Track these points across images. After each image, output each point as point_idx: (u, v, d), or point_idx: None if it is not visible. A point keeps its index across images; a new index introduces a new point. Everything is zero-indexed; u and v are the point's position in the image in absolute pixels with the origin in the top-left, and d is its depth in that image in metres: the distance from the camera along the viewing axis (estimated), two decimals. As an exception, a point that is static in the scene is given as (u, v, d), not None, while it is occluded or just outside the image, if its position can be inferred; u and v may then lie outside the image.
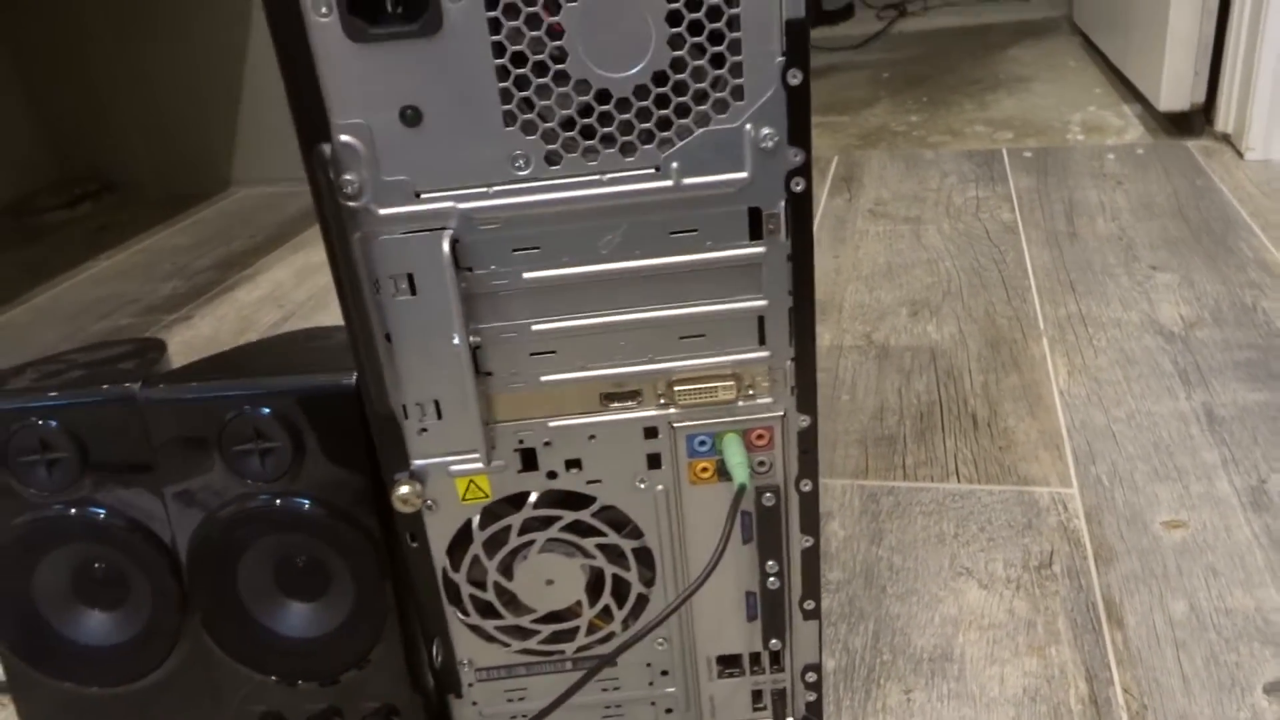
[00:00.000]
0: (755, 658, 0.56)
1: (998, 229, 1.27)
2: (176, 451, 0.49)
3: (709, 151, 0.43)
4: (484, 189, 0.43)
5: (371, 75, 0.40)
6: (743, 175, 0.43)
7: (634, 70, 0.41)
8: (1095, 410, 0.87)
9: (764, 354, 0.47)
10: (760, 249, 0.45)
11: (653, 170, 0.43)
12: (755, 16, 0.40)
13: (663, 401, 0.48)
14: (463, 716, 0.56)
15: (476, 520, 0.50)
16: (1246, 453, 0.80)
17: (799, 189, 0.44)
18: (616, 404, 0.48)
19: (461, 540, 0.51)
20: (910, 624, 0.67)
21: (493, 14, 0.40)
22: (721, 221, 0.44)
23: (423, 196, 0.43)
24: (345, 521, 0.50)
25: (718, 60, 0.41)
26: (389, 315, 0.45)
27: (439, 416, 0.47)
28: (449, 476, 0.49)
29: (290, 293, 1.32)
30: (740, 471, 0.48)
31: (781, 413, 0.48)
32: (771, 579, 0.53)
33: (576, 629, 0.54)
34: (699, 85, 0.42)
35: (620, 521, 0.51)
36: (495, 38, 0.40)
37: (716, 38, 0.41)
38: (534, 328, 0.46)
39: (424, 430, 0.48)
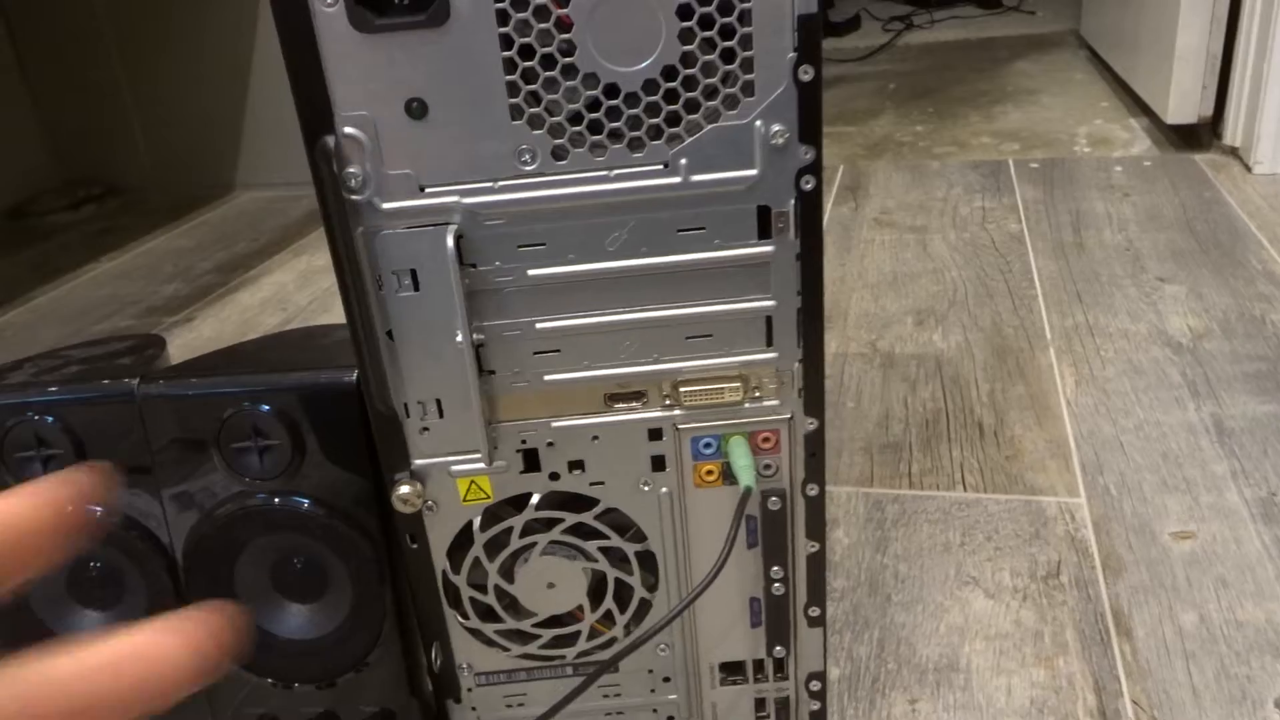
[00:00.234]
0: (759, 665, 0.55)
1: (1004, 239, 1.26)
2: (174, 448, 0.48)
3: (718, 148, 0.42)
4: (489, 184, 0.42)
5: (377, 66, 0.40)
6: (752, 173, 0.42)
7: (643, 64, 0.40)
8: (1103, 420, 0.87)
9: (771, 355, 0.46)
10: (769, 248, 0.44)
11: (661, 166, 0.42)
12: (767, 11, 0.40)
13: (668, 403, 0.47)
14: (461, 722, 0.55)
15: (477, 522, 0.49)
16: (1256, 465, 0.79)
17: (809, 187, 0.43)
18: (621, 405, 0.47)
19: (462, 542, 0.50)
20: (915, 633, 0.66)
21: (501, 5, 0.39)
22: (730, 219, 0.43)
23: (427, 191, 0.42)
24: (344, 522, 0.49)
25: (728, 55, 0.41)
26: (391, 311, 0.44)
27: (440, 415, 0.47)
28: (450, 477, 0.48)
29: (292, 296, 1.31)
30: (746, 474, 0.47)
31: (788, 415, 0.48)
32: (776, 585, 0.52)
33: (578, 634, 0.53)
34: (709, 80, 0.41)
35: (623, 524, 0.50)
36: (503, 29, 0.39)
37: (727, 32, 0.40)
38: (538, 326, 0.45)
39: (425, 429, 0.47)
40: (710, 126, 0.42)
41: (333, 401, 0.47)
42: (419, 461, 0.48)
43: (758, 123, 0.42)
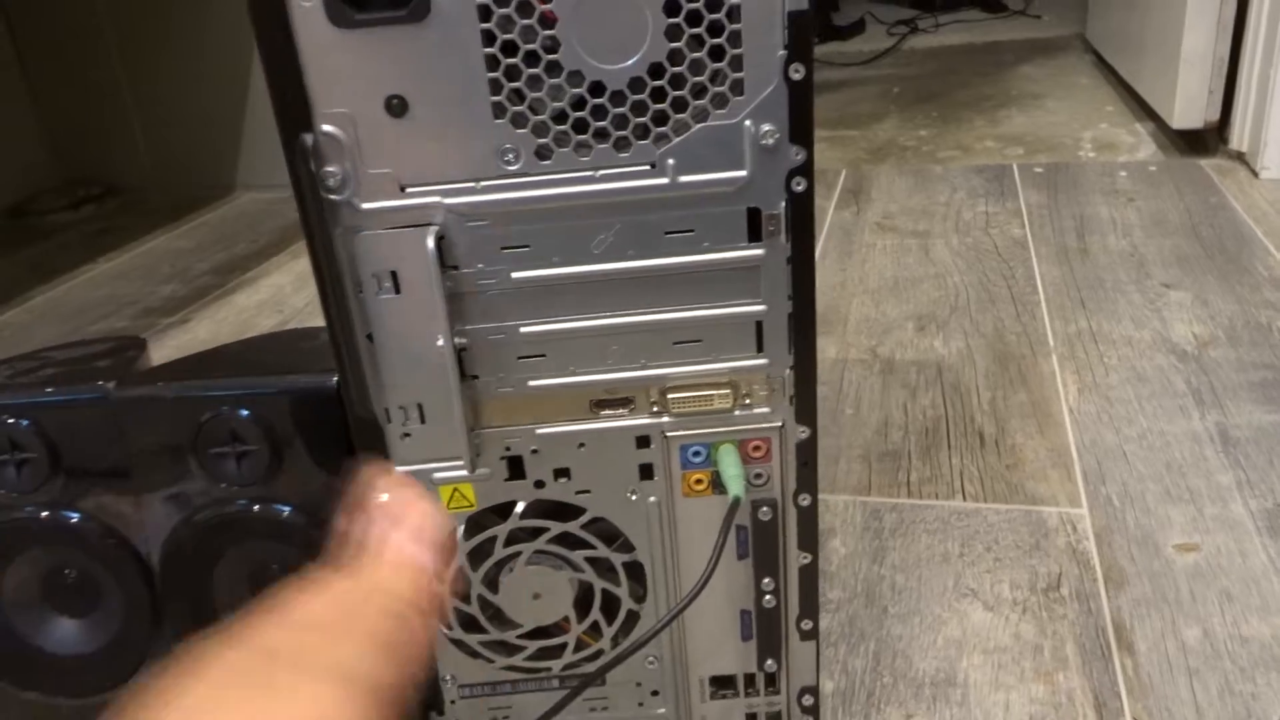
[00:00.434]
0: (750, 679, 0.53)
1: (1007, 244, 1.25)
2: (151, 453, 0.47)
3: (707, 148, 0.41)
4: (471, 184, 0.41)
5: (356, 63, 0.39)
6: (742, 174, 0.41)
7: (629, 62, 0.39)
8: (1106, 429, 0.85)
9: (762, 361, 0.45)
10: (759, 251, 0.43)
11: (648, 167, 0.41)
12: (756, 8, 0.39)
13: (656, 409, 0.46)
14: (445, 734, 0.54)
15: (461, 530, 0.48)
16: (1262, 475, 0.77)
17: (800, 189, 0.42)
18: (608, 411, 0.46)
19: (445, 551, 0.49)
20: (912, 646, 0.65)
21: (483, 1, 0.38)
22: (719, 222, 0.42)
23: (408, 191, 0.41)
24: (325, 529, 0.48)
25: (717, 53, 0.40)
26: (371, 314, 0.43)
27: (422, 421, 0.46)
28: (433, 484, 0.47)
29: (289, 298, 1.30)
30: (735, 484, 0.46)
31: (779, 423, 0.46)
32: (767, 597, 0.50)
33: (564, 646, 0.52)
34: (697, 79, 0.40)
35: (610, 534, 0.49)
36: (485, 25, 0.38)
37: (716, 29, 0.39)
38: (522, 330, 0.44)
39: (407, 435, 0.46)
40: (699, 126, 0.41)
41: (312, 406, 0.46)
42: (400, 468, 0.47)
43: (747, 122, 0.40)
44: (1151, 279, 1.12)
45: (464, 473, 0.46)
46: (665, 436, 0.46)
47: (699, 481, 0.48)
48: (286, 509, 0.48)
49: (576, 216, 0.42)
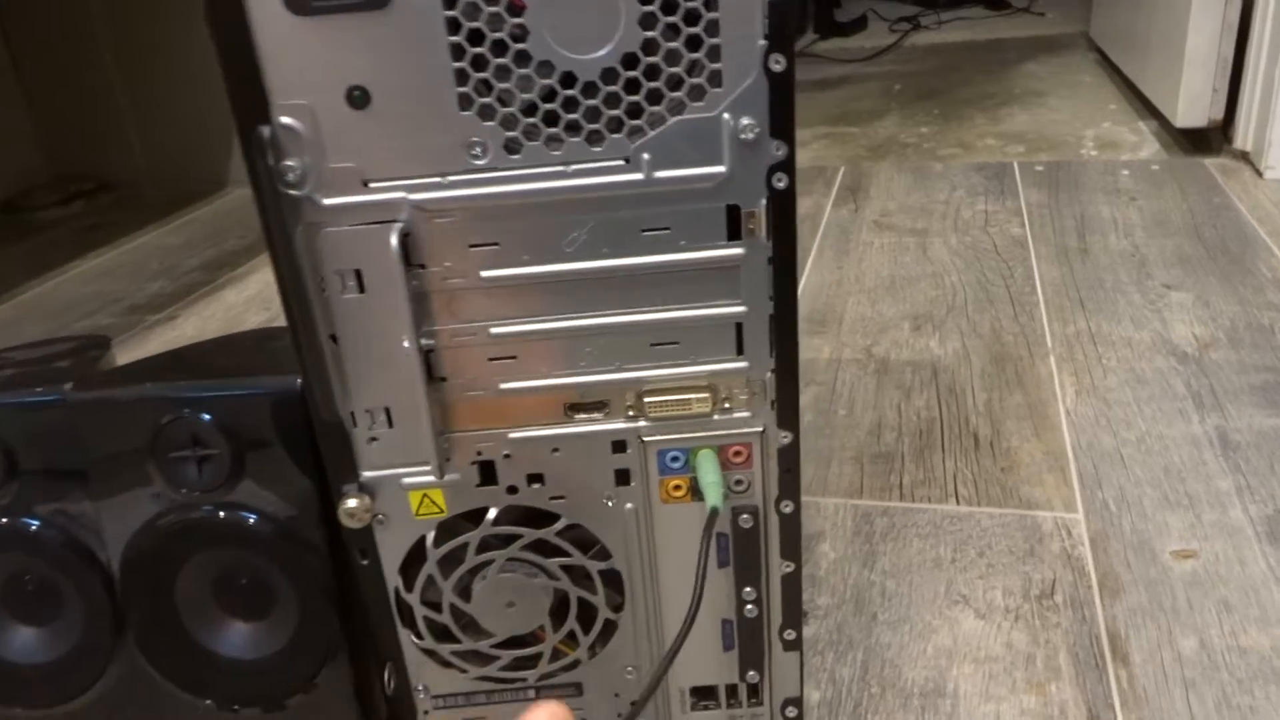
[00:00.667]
0: (732, 690, 0.52)
1: (1006, 243, 1.23)
2: (110, 458, 0.45)
3: (683, 142, 0.39)
4: (438, 179, 0.39)
5: (315, 52, 0.37)
6: (720, 169, 0.40)
7: (602, 52, 0.38)
8: (1103, 432, 0.83)
9: (742, 364, 0.44)
10: (739, 250, 0.41)
11: (622, 162, 0.39)
12: (734, -5, 0.37)
13: (632, 413, 0.44)
14: (418, 746, 0.52)
15: (431, 537, 0.47)
16: (1263, 480, 0.75)
17: (782, 185, 0.40)
18: (582, 415, 0.45)
19: (415, 558, 0.47)
20: (901, 655, 0.63)
21: (447, -13, 0.36)
22: (697, 219, 0.41)
23: (371, 186, 0.39)
24: (290, 536, 0.46)
25: (694, 42, 0.38)
26: (335, 314, 0.41)
27: (390, 425, 0.44)
28: (401, 489, 0.45)
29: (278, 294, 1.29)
30: (713, 493, 0.44)
31: (760, 428, 0.45)
32: (749, 607, 0.49)
33: (539, 655, 0.50)
34: (673, 69, 0.38)
35: (586, 541, 0.47)
36: (449, 12, 0.37)
37: (692, 18, 0.37)
38: (492, 331, 0.42)
39: (374, 439, 0.44)
40: (675, 119, 0.39)
41: (276, 409, 0.44)
42: (368, 473, 0.45)
43: (726, 115, 0.39)
44: (1152, 279, 1.10)
45: (433, 478, 0.45)
46: (642, 441, 0.45)
47: (677, 487, 0.46)
48: (252, 516, 0.46)
49: (548, 213, 0.40)
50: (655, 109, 0.39)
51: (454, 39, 0.37)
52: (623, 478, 0.46)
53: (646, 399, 0.44)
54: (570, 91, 0.38)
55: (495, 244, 0.41)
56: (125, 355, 0.66)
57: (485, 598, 0.48)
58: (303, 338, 0.41)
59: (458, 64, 0.38)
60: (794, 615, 0.50)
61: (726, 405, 0.44)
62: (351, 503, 0.45)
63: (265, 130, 0.38)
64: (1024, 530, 0.73)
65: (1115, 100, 1.77)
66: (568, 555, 0.47)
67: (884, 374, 0.96)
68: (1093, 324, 1.01)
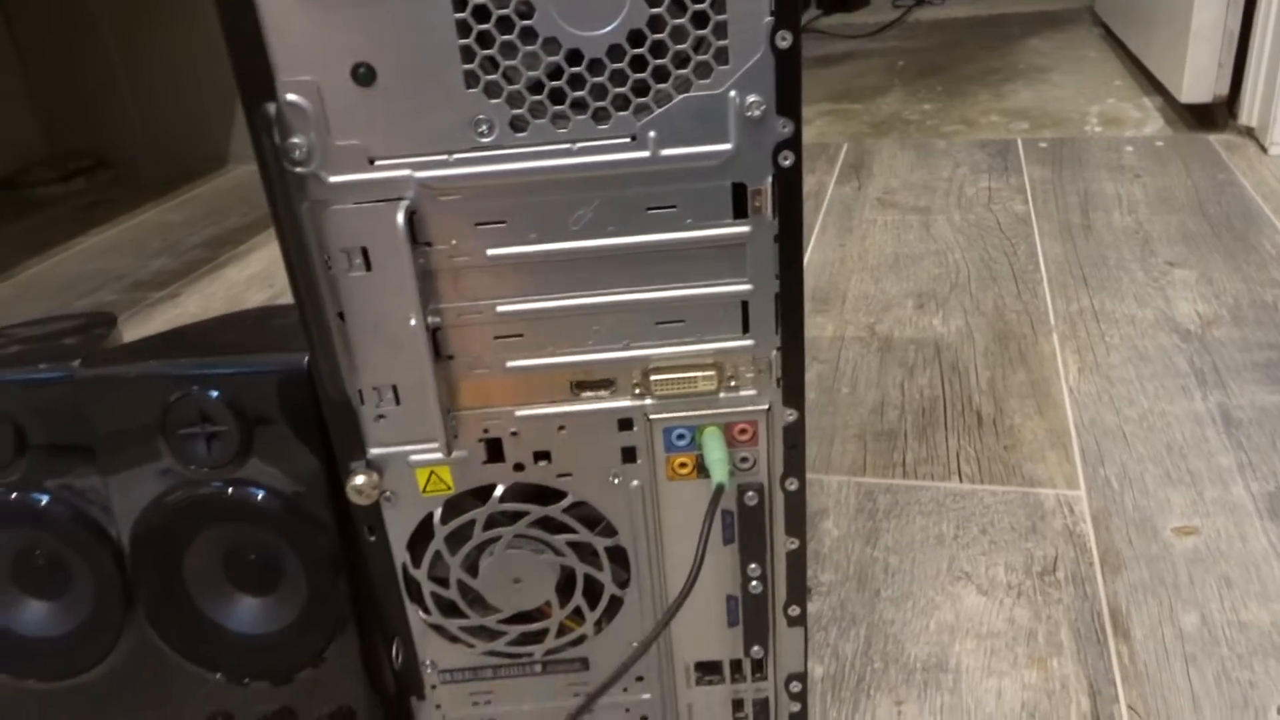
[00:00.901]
0: (736, 665, 0.52)
1: (1010, 220, 1.23)
2: (118, 434, 0.45)
3: (690, 120, 0.39)
4: (444, 156, 0.39)
5: (320, 28, 0.37)
6: (726, 147, 0.40)
7: (608, 29, 0.37)
8: (1106, 410, 0.84)
9: (748, 343, 0.44)
10: (745, 228, 0.41)
11: (628, 139, 0.39)
12: (741, -29, 0.37)
13: (638, 391, 0.45)
14: (426, 720, 0.53)
15: (438, 514, 0.47)
16: (1264, 457, 0.76)
17: (788, 163, 0.40)
18: (588, 393, 0.45)
19: (423, 535, 0.47)
20: (904, 630, 0.63)
21: (453, -37, 0.36)
22: (703, 197, 0.41)
23: (377, 163, 0.39)
24: (299, 512, 0.46)
25: (700, 19, 0.38)
26: (342, 292, 0.42)
27: (397, 402, 0.44)
28: (409, 467, 0.46)
29: (281, 272, 1.28)
30: (719, 470, 0.44)
31: (766, 406, 0.45)
32: (754, 583, 0.49)
33: (546, 631, 0.50)
34: (679, 46, 0.38)
35: (593, 518, 0.48)
36: (455, -11, 0.37)
37: (699, -6, 0.37)
38: (499, 309, 0.42)
39: (381, 417, 0.44)
40: (681, 97, 0.39)
41: (284, 387, 0.45)
42: (375, 450, 0.45)
43: (732, 93, 0.39)
44: (1156, 256, 1.10)
45: (441, 455, 0.45)
46: (648, 419, 0.45)
47: (683, 465, 0.46)
48: (260, 491, 0.46)
49: (554, 191, 0.40)
50: (661, 86, 0.39)
51: (459, 16, 0.37)
52: (629, 455, 0.46)
53: (653, 377, 0.44)
54: (576, 69, 0.38)
55: (502, 222, 0.41)
56: (129, 332, 0.67)
57: (492, 574, 0.48)
58: (310, 315, 0.41)
59: (463, 41, 0.37)
60: (798, 591, 0.50)
61: (732, 383, 0.45)
62: (359, 480, 0.45)
63: (271, 107, 0.38)
64: (1026, 507, 0.73)
65: (1120, 76, 1.76)
66: (574, 532, 0.48)
67: (887, 352, 0.96)
68: (1096, 301, 1.01)
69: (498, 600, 0.49)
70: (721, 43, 0.38)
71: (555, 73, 0.38)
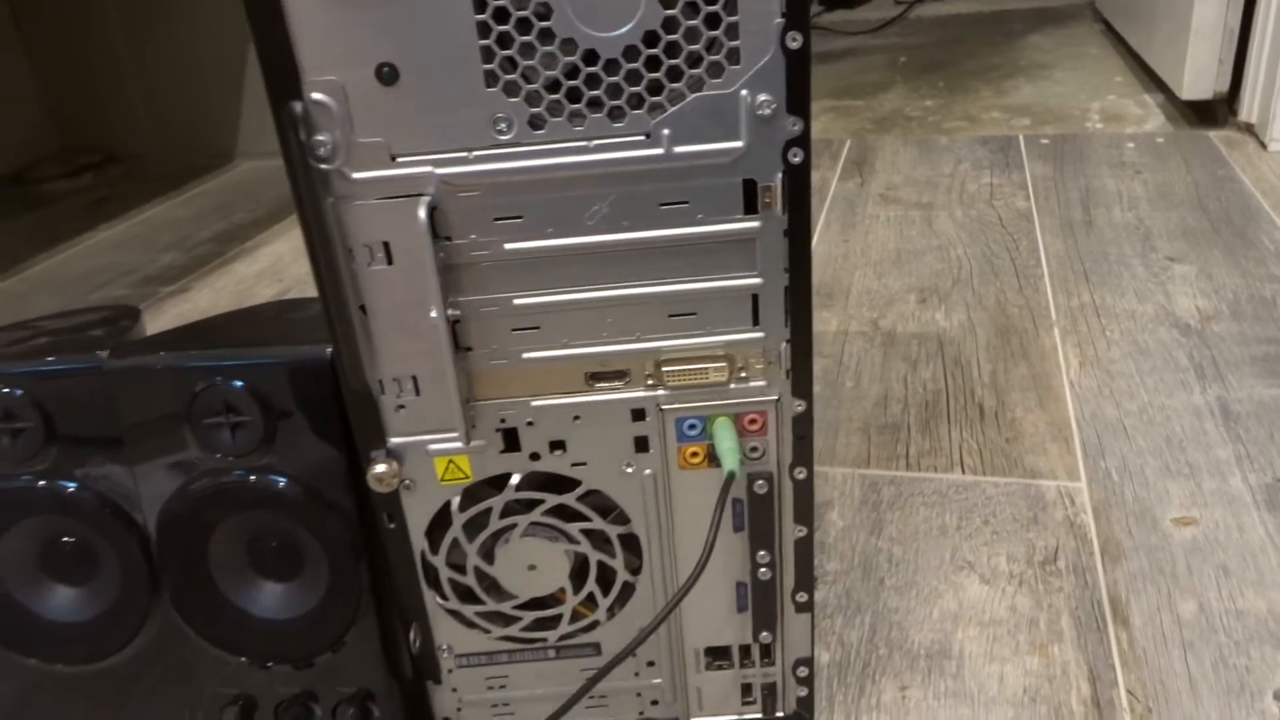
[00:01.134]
0: (745, 650, 0.54)
1: (1011, 216, 1.24)
2: (145, 423, 0.47)
3: (702, 118, 0.40)
4: (464, 153, 0.41)
5: (346, 29, 0.38)
6: (738, 144, 0.41)
7: (623, 30, 0.39)
8: (1106, 403, 0.85)
9: (758, 335, 0.45)
10: (755, 224, 0.42)
11: (642, 137, 0.41)
12: (753, -26, 0.38)
13: (651, 382, 0.46)
14: (442, 703, 0.54)
15: (456, 502, 0.48)
16: (1262, 450, 0.77)
17: (797, 160, 0.41)
18: (602, 384, 0.46)
19: (440, 522, 0.49)
20: (908, 618, 0.65)
21: (474, -34, 0.37)
22: (714, 193, 0.42)
23: (399, 160, 0.41)
24: (320, 499, 0.48)
25: (712, 20, 0.39)
26: (364, 285, 0.43)
27: (417, 393, 0.45)
28: (427, 455, 0.47)
29: (289, 267, 1.30)
30: (730, 458, 0.45)
31: (775, 397, 0.46)
32: (763, 570, 0.51)
33: (560, 617, 0.52)
34: (692, 47, 0.39)
35: (606, 506, 0.49)
36: (477, -9, 0.38)
37: (712, -4, 0.38)
38: (516, 302, 0.44)
39: (401, 407, 0.46)
40: (694, 96, 0.40)
41: (306, 377, 0.46)
42: (395, 440, 0.47)
43: (743, 92, 0.40)
44: (1156, 252, 1.11)
45: (459, 444, 0.46)
46: (660, 409, 0.46)
47: (695, 454, 0.47)
48: (282, 479, 0.48)
49: (570, 187, 0.41)
50: (675, 86, 0.40)
51: (480, 17, 0.38)
52: (642, 445, 0.47)
53: (665, 368, 0.45)
54: (592, 68, 0.39)
55: (519, 217, 0.42)
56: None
57: (508, 561, 0.49)
58: (333, 308, 0.43)
59: (484, 41, 0.39)
60: (806, 578, 0.52)
61: (743, 374, 0.46)
62: (379, 468, 0.46)
63: (297, 106, 0.39)
64: (1028, 499, 0.75)
65: (1121, 73, 1.77)
66: (588, 520, 0.49)
67: (890, 346, 0.97)
68: (1096, 296, 1.03)
69: (513, 586, 0.50)
70: (733, 43, 0.39)
71: (572, 72, 0.39)
